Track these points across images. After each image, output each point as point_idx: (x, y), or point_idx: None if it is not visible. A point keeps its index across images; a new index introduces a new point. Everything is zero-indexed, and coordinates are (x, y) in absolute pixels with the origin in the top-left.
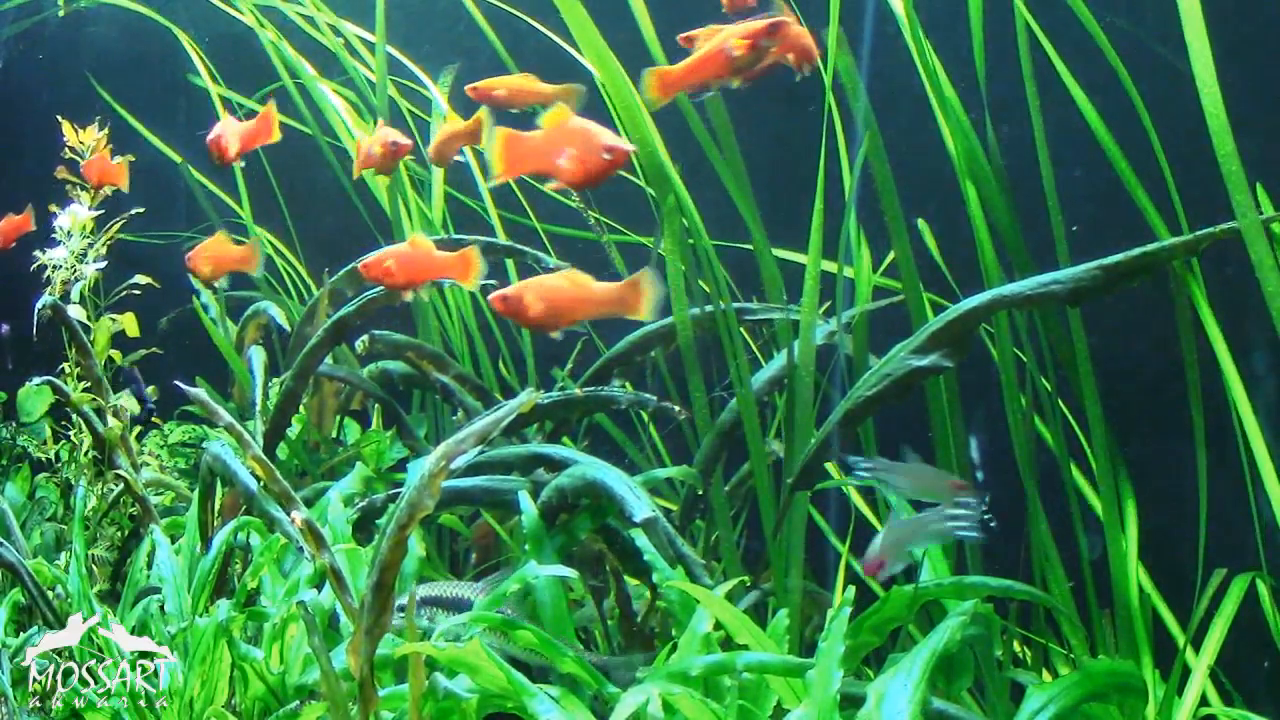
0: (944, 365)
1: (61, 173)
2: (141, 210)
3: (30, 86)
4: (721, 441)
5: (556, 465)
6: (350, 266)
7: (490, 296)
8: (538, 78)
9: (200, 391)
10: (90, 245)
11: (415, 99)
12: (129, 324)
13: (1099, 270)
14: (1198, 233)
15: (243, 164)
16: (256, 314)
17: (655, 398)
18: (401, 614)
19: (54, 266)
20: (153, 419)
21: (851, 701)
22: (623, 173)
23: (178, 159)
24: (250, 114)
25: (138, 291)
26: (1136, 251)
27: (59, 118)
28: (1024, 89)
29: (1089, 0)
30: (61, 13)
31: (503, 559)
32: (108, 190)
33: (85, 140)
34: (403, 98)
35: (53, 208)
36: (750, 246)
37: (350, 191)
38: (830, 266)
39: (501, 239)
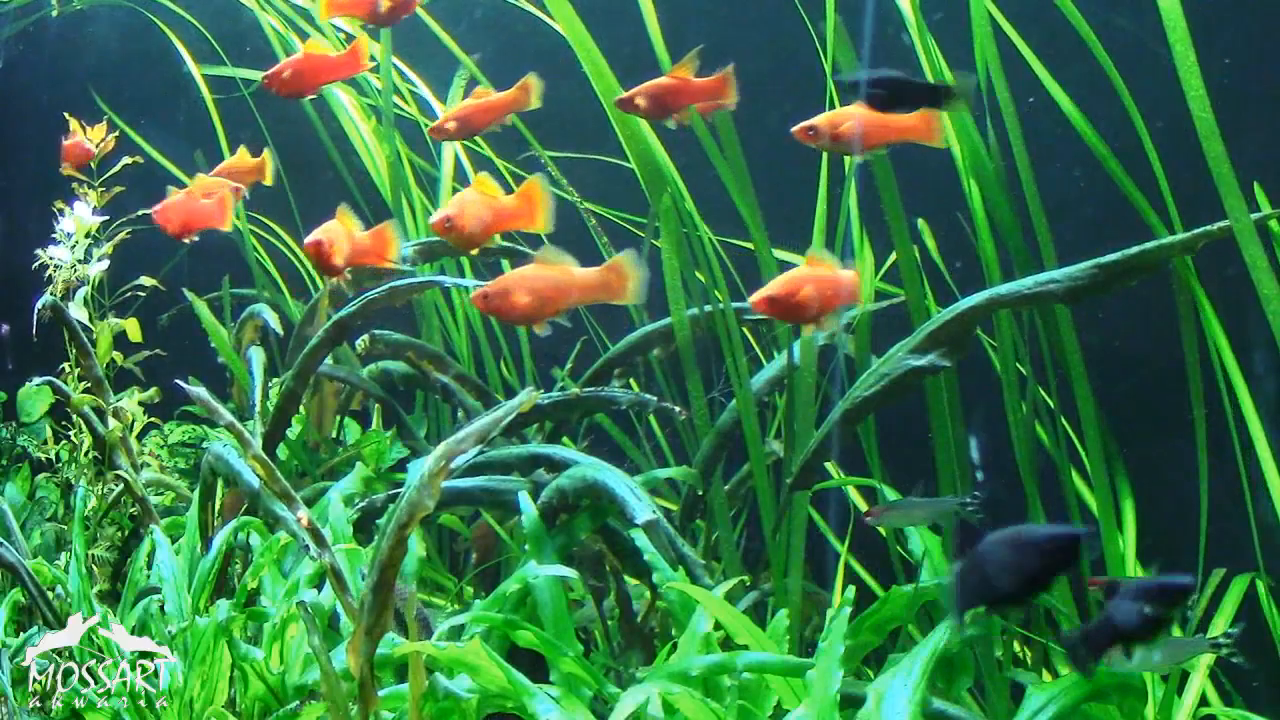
0: (941, 365)
1: (67, 169)
2: (147, 211)
3: (30, 86)
4: (721, 442)
5: (557, 466)
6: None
7: (471, 296)
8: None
9: (202, 390)
10: (92, 246)
11: (417, 100)
12: (131, 329)
13: (1096, 269)
14: (1195, 231)
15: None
16: (253, 315)
17: (655, 398)
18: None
19: (55, 266)
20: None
21: (851, 702)
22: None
23: (175, 166)
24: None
25: (142, 293)
26: (1133, 250)
27: (66, 115)
28: (1033, 88)
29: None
30: (55, 13)
31: (503, 559)
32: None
33: (92, 139)
34: (409, 102)
35: (58, 204)
36: (750, 245)
37: (353, 189)
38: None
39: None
